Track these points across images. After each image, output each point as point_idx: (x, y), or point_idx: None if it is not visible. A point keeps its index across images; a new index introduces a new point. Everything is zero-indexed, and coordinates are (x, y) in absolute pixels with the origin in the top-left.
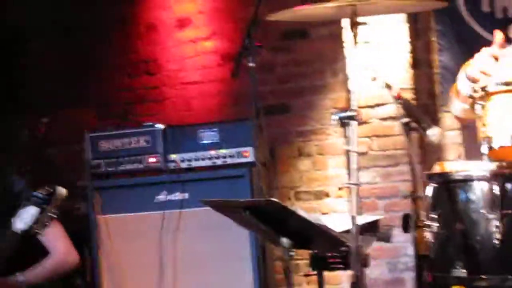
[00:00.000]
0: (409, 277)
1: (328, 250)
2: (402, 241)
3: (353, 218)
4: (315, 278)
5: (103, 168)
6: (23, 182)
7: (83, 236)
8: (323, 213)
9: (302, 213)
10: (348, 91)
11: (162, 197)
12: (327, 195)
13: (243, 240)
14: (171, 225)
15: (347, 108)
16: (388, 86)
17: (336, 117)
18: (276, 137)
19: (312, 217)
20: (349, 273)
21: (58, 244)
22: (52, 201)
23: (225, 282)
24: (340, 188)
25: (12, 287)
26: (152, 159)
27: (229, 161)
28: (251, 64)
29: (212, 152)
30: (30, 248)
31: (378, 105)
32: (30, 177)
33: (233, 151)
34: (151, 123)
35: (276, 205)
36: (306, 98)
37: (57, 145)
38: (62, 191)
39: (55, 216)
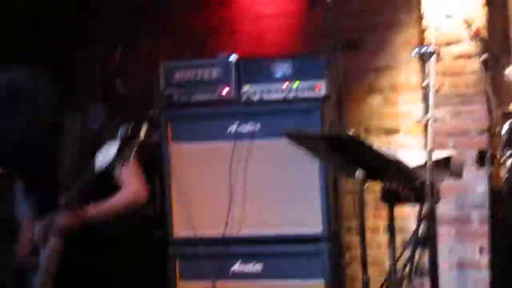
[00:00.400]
0: (477, 215)
1: (402, 183)
2: (471, 178)
3: (429, 152)
4: (383, 212)
5: (176, 97)
6: (101, 117)
7: (154, 164)
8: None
9: (378, 147)
10: (421, 28)
11: (233, 127)
12: (397, 131)
13: (312, 173)
14: (242, 156)
15: (427, 44)
16: (468, 23)
17: (416, 52)
18: (348, 72)
19: (388, 151)
20: (416, 208)
21: (133, 180)
22: (134, 139)
23: (293, 213)
24: (416, 123)
25: (84, 219)
26: (225, 90)
27: (301, 94)
28: None
29: (285, 85)
30: (105, 182)
31: (451, 43)
32: (107, 111)
33: (305, 84)
34: (225, 55)
35: (353, 138)
36: (379, 34)
37: (131, 76)
38: (143, 128)
39: (134, 153)
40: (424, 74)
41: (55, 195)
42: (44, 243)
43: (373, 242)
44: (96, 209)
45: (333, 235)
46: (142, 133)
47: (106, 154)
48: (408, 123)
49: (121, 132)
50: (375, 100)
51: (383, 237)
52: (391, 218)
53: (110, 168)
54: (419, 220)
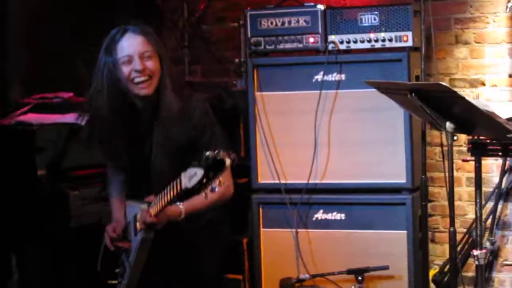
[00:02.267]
0: None
1: (492, 136)
2: None
3: None
4: (464, 164)
5: (262, 45)
6: (204, 115)
7: (238, 111)
8: None
9: (469, 98)
10: None
11: (319, 77)
12: (482, 83)
13: (397, 124)
14: (327, 105)
15: None
16: None
17: (509, 6)
18: (434, 23)
19: (479, 103)
20: (499, 161)
21: (221, 179)
22: (220, 172)
23: (377, 163)
24: (510, 76)
25: (173, 214)
26: (311, 39)
27: (388, 44)
28: None
29: (372, 35)
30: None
31: None
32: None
33: (392, 34)
34: (312, 3)
35: (444, 89)
36: None
37: (216, 21)
38: (228, 160)
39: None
40: None
41: (148, 184)
42: (136, 231)
43: (455, 194)
44: (184, 206)
45: (419, 186)
46: (228, 162)
47: (191, 178)
48: (494, 76)
49: (206, 159)
50: (461, 52)
51: (465, 189)
52: (479, 171)
53: (194, 190)
54: (503, 173)
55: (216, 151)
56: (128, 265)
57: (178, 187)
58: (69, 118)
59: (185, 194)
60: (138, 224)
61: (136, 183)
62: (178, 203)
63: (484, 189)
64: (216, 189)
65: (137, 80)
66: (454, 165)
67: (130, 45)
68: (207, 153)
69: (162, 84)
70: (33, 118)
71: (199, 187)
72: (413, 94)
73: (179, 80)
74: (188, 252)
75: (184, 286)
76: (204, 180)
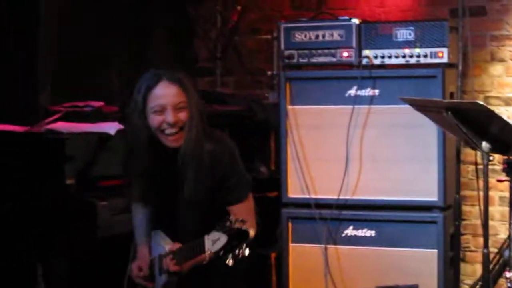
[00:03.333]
0: None
1: None
2: None
3: None
4: (500, 184)
5: (295, 58)
6: (232, 157)
7: (269, 124)
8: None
9: (506, 118)
10: None
11: (352, 91)
12: None
13: (430, 141)
14: (360, 120)
15: None
16: None
17: None
18: (470, 40)
19: None
20: None
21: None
22: (243, 242)
23: (409, 180)
24: None
25: (199, 261)
26: (345, 53)
27: (423, 60)
28: None
29: (406, 51)
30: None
31: None
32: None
33: (427, 50)
34: (346, 17)
35: (481, 108)
36: (503, 1)
37: (249, 33)
38: (252, 233)
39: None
40: None
41: (171, 221)
42: (161, 272)
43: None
44: (210, 254)
45: (451, 204)
46: (252, 235)
47: (214, 243)
48: None
49: (229, 227)
50: (496, 70)
51: (497, 208)
52: None
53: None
54: None
55: (241, 221)
56: None
57: (201, 251)
58: (100, 127)
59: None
60: (164, 265)
61: (161, 217)
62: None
63: None
64: (240, 257)
65: (168, 132)
66: (491, 185)
67: (165, 95)
68: (232, 219)
69: (191, 134)
70: (63, 126)
71: (222, 252)
72: (449, 113)
73: (208, 123)
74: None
75: None
76: (228, 247)
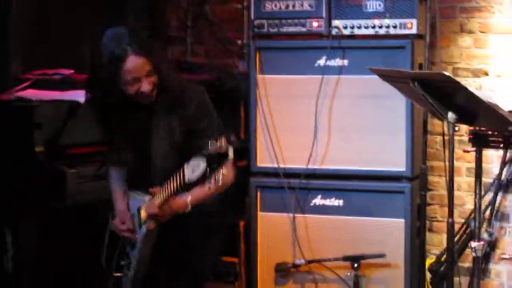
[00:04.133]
0: None
1: (494, 128)
2: None
3: None
4: (467, 155)
5: (265, 28)
6: (200, 104)
7: (239, 93)
8: None
9: (472, 89)
10: None
11: (322, 61)
12: (486, 73)
13: (398, 112)
14: (329, 90)
15: None
16: None
17: None
18: (439, 11)
19: (483, 94)
20: (499, 152)
21: (224, 171)
22: (223, 163)
23: (377, 151)
24: None
25: (181, 207)
26: (315, 23)
27: (392, 31)
28: None
29: (376, 21)
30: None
31: None
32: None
33: (396, 21)
34: None
35: (447, 79)
36: None
37: (219, 2)
38: (231, 149)
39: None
40: None
41: (148, 176)
42: (140, 224)
43: (454, 184)
44: (191, 196)
45: (418, 175)
46: (231, 154)
47: (194, 170)
48: (498, 66)
49: (209, 147)
50: (465, 41)
51: (464, 179)
52: (479, 162)
53: (198, 181)
54: (503, 164)
55: (218, 142)
56: (134, 257)
57: (182, 179)
58: (69, 95)
59: (189, 185)
60: (142, 216)
61: (138, 174)
62: (185, 196)
63: (483, 179)
64: (220, 181)
65: (144, 95)
66: (454, 155)
67: (135, 69)
68: (209, 143)
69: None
70: (32, 94)
71: (202, 179)
72: (415, 83)
73: (177, 71)
74: (191, 240)
75: (186, 273)
76: (208, 172)
